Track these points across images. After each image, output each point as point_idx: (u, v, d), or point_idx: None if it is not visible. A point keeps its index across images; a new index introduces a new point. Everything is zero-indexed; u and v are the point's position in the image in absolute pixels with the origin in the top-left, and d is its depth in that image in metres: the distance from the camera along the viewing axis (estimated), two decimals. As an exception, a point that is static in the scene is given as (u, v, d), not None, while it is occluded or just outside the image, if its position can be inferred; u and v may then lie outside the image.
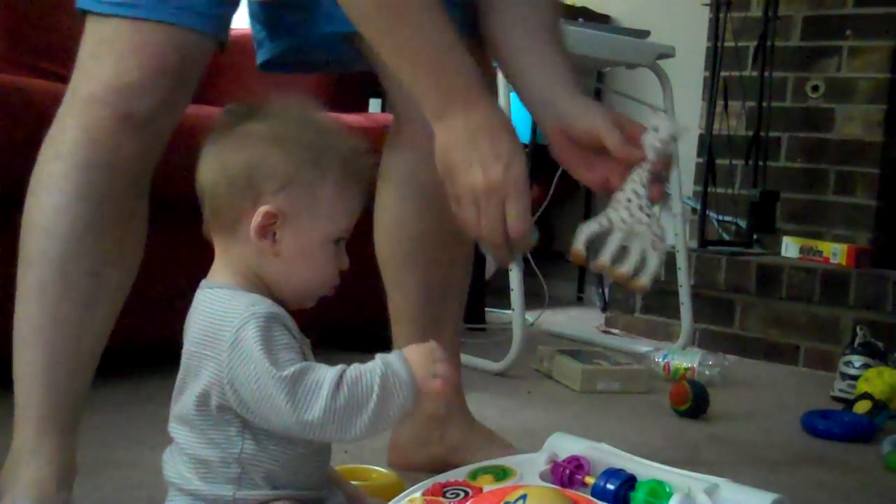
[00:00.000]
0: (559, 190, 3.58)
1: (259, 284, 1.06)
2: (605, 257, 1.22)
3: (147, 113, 1.23)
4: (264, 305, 1.02)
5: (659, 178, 1.24)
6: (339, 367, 1.00)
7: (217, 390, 1.01)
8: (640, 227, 1.22)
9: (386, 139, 1.55)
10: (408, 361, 1.02)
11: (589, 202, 3.92)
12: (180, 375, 1.06)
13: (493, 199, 1.17)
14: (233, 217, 1.05)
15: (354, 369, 1.00)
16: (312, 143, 1.06)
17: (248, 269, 1.06)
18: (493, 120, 1.20)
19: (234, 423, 1.02)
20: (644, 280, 1.23)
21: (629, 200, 1.22)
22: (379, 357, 1.03)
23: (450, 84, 1.20)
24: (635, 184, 1.23)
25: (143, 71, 1.22)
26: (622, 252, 1.23)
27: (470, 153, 1.18)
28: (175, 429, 1.06)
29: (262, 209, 1.03)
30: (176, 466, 1.06)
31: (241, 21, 2.66)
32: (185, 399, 1.05)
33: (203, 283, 1.08)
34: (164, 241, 2.00)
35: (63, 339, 1.23)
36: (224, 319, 1.01)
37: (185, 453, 1.05)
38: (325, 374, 0.99)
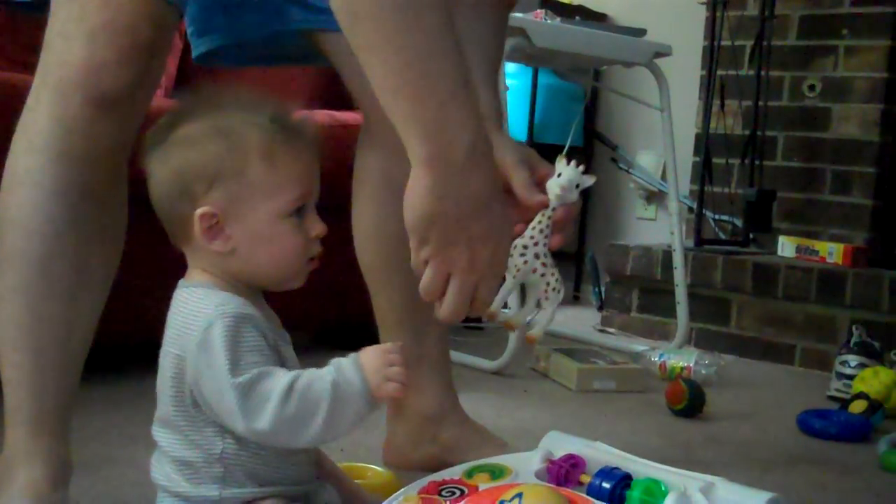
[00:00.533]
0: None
1: (233, 282, 1.06)
2: (495, 304, 1.15)
3: (122, 92, 1.19)
4: (234, 305, 1.02)
5: (561, 228, 1.17)
6: (293, 373, 1.00)
7: (188, 389, 1.02)
8: (533, 277, 1.17)
9: (357, 140, 1.53)
10: (362, 367, 1.01)
11: (585, 201, 3.92)
12: (158, 377, 1.06)
13: (470, 281, 1.05)
14: (182, 227, 1.05)
15: (307, 377, 1.00)
16: (223, 128, 1.04)
17: (218, 269, 1.06)
18: (490, 188, 1.03)
19: (212, 424, 1.02)
20: (536, 331, 1.19)
21: (525, 247, 1.16)
22: (332, 363, 1.02)
23: (449, 143, 0.99)
24: (535, 230, 1.16)
25: (116, 47, 1.18)
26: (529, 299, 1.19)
27: (457, 232, 1.02)
28: (157, 431, 1.06)
29: (198, 212, 1.03)
30: (162, 468, 1.06)
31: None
32: (163, 400, 1.05)
33: (180, 282, 1.08)
34: (159, 238, 1.99)
35: (49, 338, 1.20)
36: (195, 319, 1.01)
37: (169, 455, 1.05)
38: (277, 383, 0.98)
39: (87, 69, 1.18)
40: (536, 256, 1.17)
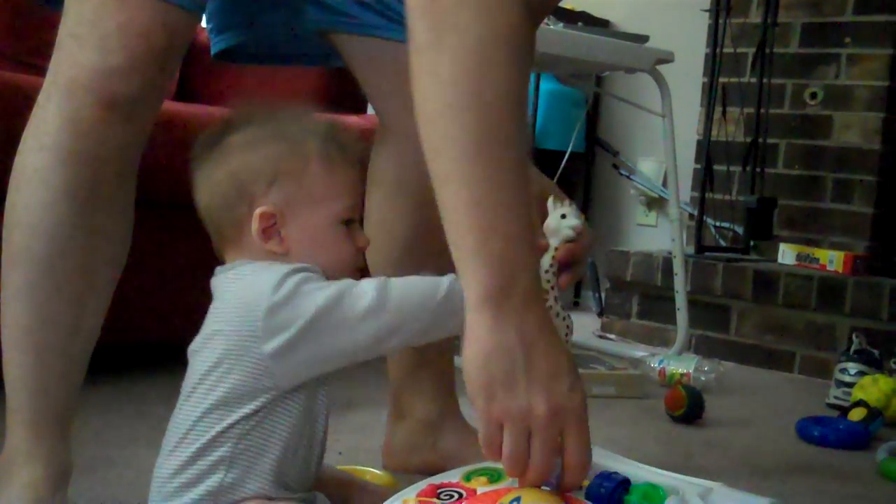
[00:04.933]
0: (557, 194, 3.58)
1: None
2: None
3: (133, 98, 1.17)
4: (294, 264, 1.03)
5: (567, 267, 1.15)
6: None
7: (249, 363, 1.01)
8: (556, 321, 1.12)
9: (373, 145, 1.54)
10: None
11: (586, 207, 3.93)
12: (201, 364, 1.05)
13: (554, 429, 0.94)
14: (235, 228, 1.06)
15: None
16: (286, 132, 1.07)
17: None
18: (548, 326, 0.96)
19: (248, 405, 1.02)
20: None
21: (546, 292, 1.13)
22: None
23: (512, 278, 0.93)
24: (548, 274, 1.14)
25: (128, 53, 1.16)
26: None
27: (523, 369, 0.92)
28: (175, 419, 1.06)
29: (258, 211, 1.04)
30: (160, 468, 1.06)
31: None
32: (204, 386, 1.04)
33: (220, 268, 1.08)
34: (161, 239, 2.00)
35: (54, 340, 1.19)
36: (262, 286, 1.01)
37: (176, 444, 1.04)
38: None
39: (99, 73, 1.16)
40: (556, 300, 1.16)
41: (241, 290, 1.03)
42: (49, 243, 1.17)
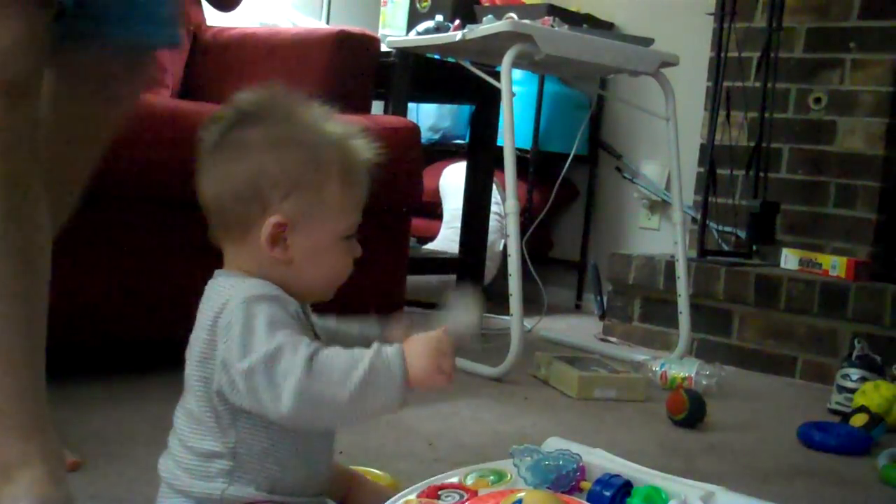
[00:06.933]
0: (559, 197, 3.59)
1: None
2: None
3: (25, 79, 1.11)
4: (264, 289, 1.03)
5: None
6: (313, 347, 0.99)
7: (217, 376, 1.01)
8: None
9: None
10: (404, 355, 1.01)
11: (589, 210, 3.93)
12: (187, 361, 1.06)
13: None
14: (242, 227, 1.05)
15: (333, 352, 1.00)
16: (311, 141, 1.06)
17: (263, 272, 1.06)
18: None
19: (229, 412, 1.03)
20: None
21: None
22: (374, 346, 1.02)
23: None
24: None
25: (11, 34, 1.10)
26: None
27: None
28: (177, 417, 1.07)
29: (272, 220, 1.03)
30: (167, 463, 1.06)
31: (239, 19, 2.65)
32: (189, 384, 1.05)
33: (217, 272, 1.08)
34: (160, 237, 2.00)
35: (7, 363, 1.15)
36: (225, 306, 1.02)
37: (182, 444, 1.05)
38: (295, 359, 0.98)
39: None
40: None
41: (212, 309, 1.04)
42: None
